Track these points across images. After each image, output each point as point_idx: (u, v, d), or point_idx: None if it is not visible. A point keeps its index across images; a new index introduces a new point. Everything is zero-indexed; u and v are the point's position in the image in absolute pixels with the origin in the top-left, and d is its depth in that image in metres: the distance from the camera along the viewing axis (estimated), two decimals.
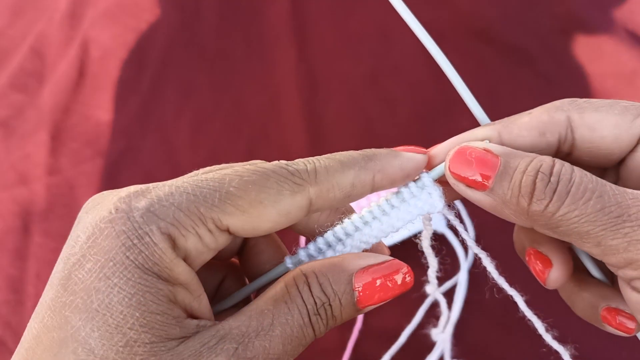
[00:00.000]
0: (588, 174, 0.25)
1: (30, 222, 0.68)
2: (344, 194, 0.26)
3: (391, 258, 0.27)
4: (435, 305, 0.54)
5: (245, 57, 0.76)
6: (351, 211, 0.31)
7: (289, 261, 0.29)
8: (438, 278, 0.33)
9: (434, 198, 0.28)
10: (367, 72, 0.72)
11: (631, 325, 0.29)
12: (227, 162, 0.28)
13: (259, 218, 0.24)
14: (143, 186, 0.24)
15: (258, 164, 0.26)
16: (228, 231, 0.24)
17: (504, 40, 0.70)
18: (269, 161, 0.27)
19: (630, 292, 0.26)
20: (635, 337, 0.30)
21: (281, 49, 0.75)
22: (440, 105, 0.67)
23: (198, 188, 0.24)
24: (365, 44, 0.74)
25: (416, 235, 0.32)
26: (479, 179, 0.26)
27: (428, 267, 0.33)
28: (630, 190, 0.25)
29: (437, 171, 0.29)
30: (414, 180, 0.29)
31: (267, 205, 0.24)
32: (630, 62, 0.68)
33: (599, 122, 0.27)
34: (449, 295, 0.54)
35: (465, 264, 0.55)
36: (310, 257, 0.28)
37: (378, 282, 0.25)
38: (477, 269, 0.55)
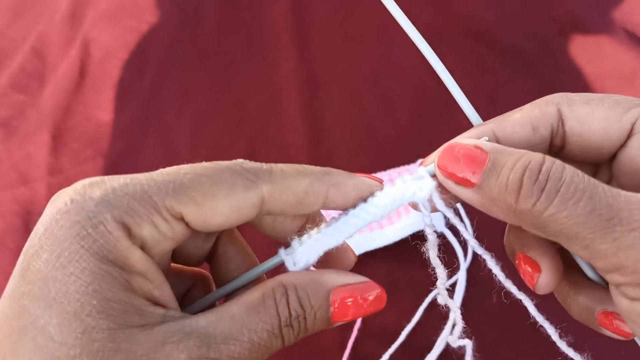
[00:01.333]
0: (580, 173, 0.24)
1: (31, 221, 0.68)
2: (297, 199, 0.26)
3: (367, 279, 0.27)
4: (434, 304, 0.54)
5: (245, 57, 0.76)
6: (322, 221, 0.30)
7: (283, 253, 0.28)
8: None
9: (424, 189, 0.28)
10: (367, 72, 0.72)
11: (628, 329, 0.27)
12: None
13: (212, 210, 0.24)
14: (98, 178, 0.24)
15: (217, 162, 0.26)
16: (183, 221, 0.25)
17: (503, 42, 0.70)
18: (269, 161, 0.27)
19: (619, 297, 0.25)
20: None
21: (281, 49, 0.75)
22: (440, 105, 0.67)
23: (152, 180, 0.24)
24: (365, 44, 0.74)
25: (417, 238, 0.30)
26: (468, 175, 0.26)
27: (435, 278, 0.32)
28: (623, 192, 0.24)
29: (432, 166, 0.28)
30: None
31: (219, 198, 0.24)
32: (630, 62, 0.68)
33: (588, 115, 0.27)
34: (449, 295, 0.54)
35: (464, 264, 0.55)
36: (302, 244, 0.28)
37: (353, 300, 0.26)
38: (476, 269, 0.55)
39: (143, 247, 0.24)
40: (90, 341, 0.21)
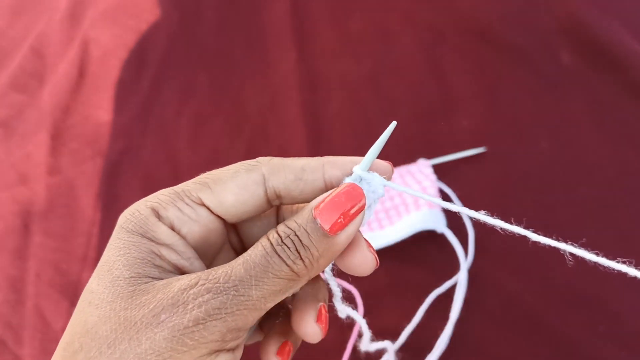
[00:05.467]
0: None
1: (31, 221, 0.68)
2: (295, 175, 0.31)
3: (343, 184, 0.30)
4: (435, 304, 0.54)
5: (245, 57, 0.76)
6: None
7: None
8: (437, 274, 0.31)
9: (374, 185, 0.30)
10: (367, 72, 0.72)
11: None
12: (227, 162, 0.32)
13: (223, 191, 0.31)
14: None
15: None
16: (204, 206, 0.31)
17: (504, 41, 0.70)
18: None
19: None
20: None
21: (281, 49, 0.75)
22: (440, 105, 0.67)
23: (180, 183, 0.31)
24: (365, 44, 0.74)
25: (418, 238, 0.31)
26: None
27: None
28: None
29: (365, 162, 0.30)
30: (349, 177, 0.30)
31: (226, 180, 0.31)
32: None
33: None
34: (449, 295, 0.54)
35: (465, 264, 0.55)
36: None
37: (329, 202, 0.28)
38: (477, 269, 0.55)
39: (172, 227, 0.30)
40: (116, 287, 0.28)
